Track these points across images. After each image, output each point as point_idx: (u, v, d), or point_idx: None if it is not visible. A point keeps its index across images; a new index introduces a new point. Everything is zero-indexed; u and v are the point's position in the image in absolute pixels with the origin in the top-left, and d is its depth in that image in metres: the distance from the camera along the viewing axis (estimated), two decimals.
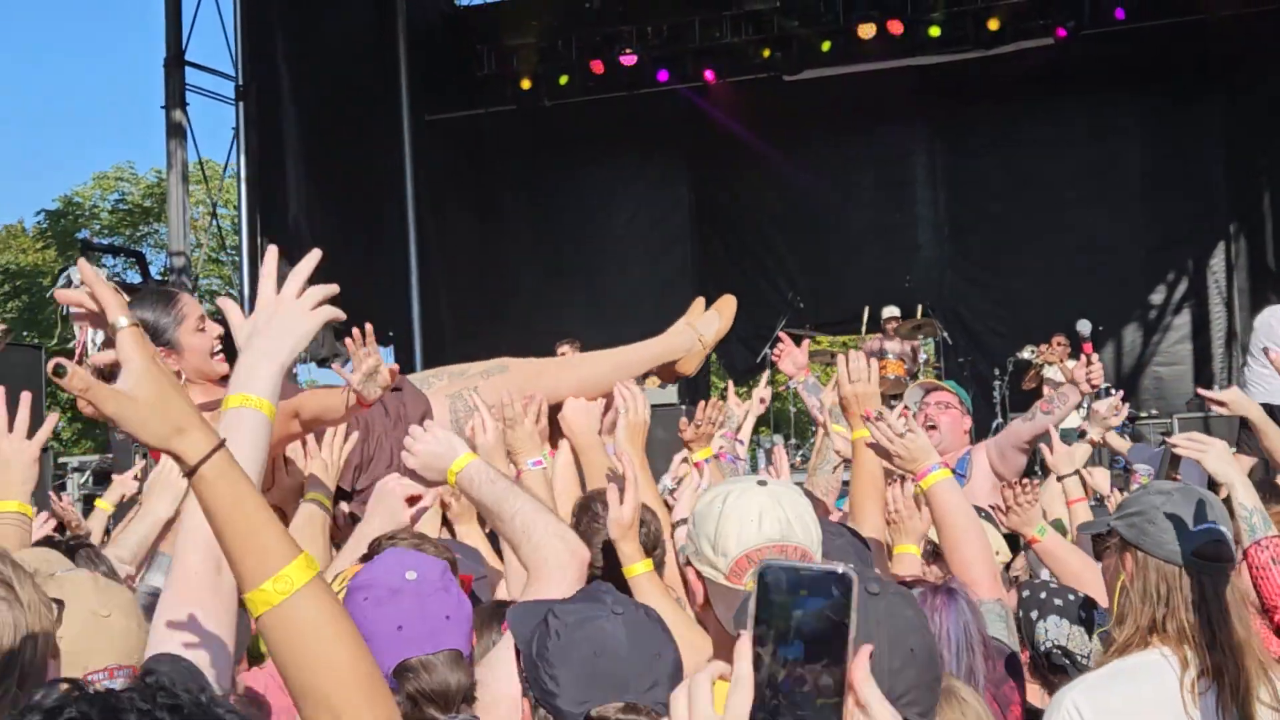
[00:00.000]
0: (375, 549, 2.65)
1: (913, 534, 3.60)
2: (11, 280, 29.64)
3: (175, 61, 12.74)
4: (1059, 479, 4.69)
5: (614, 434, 3.71)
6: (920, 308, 13.90)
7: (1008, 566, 4.18)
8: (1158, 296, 14.66)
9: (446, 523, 3.63)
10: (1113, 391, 7.39)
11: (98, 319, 3.51)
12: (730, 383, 5.73)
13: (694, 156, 15.86)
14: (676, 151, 15.85)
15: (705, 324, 4.68)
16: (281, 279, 1.99)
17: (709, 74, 14.36)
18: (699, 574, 2.32)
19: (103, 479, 10.00)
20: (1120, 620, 2.66)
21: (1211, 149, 14.29)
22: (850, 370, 3.49)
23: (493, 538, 3.42)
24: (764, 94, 14.37)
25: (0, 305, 29.37)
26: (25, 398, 2.63)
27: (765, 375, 5.23)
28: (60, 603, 1.72)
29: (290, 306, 1.98)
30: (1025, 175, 14.59)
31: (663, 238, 15.88)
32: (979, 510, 3.77)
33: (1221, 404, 4.04)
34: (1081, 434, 5.37)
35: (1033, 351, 12.19)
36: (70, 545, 2.68)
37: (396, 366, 3.50)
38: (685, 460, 4.16)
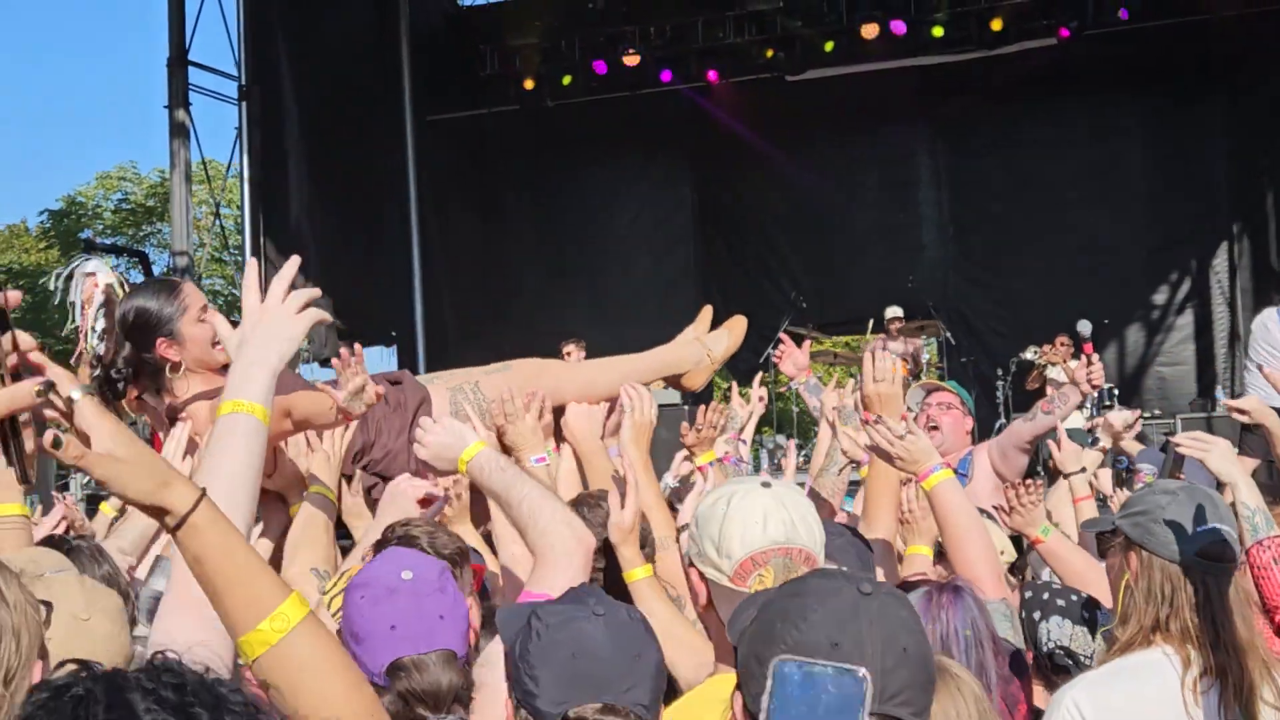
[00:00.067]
0: (389, 535, 2.69)
1: (925, 535, 3.60)
2: (15, 280, 29.66)
3: (178, 61, 12.75)
4: (1065, 476, 4.68)
5: (618, 435, 3.71)
6: (928, 306, 13.93)
7: (1013, 567, 4.18)
8: (1160, 297, 14.65)
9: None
10: (1115, 392, 7.40)
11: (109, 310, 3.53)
12: (734, 383, 5.73)
13: (697, 157, 15.85)
14: (679, 152, 15.84)
15: (714, 340, 4.68)
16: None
17: (712, 74, 14.35)
18: (702, 575, 2.32)
19: None
20: (1124, 619, 2.66)
21: (1214, 149, 14.28)
22: (875, 370, 3.49)
23: (487, 538, 3.43)
24: (767, 94, 14.36)
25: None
26: None
27: (759, 376, 5.22)
28: (49, 604, 1.73)
29: (276, 312, 2.02)
30: (1028, 175, 14.58)
31: (666, 238, 15.88)
32: (980, 511, 3.76)
33: (1243, 411, 4.04)
34: (1094, 440, 5.39)
35: (1035, 352, 12.20)
36: (72, 544, 2.69)
37: (382, 390, 3.51)
38: (687, 459, 4.16)
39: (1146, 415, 12.19)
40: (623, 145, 15.49)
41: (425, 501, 3.19)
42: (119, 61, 71.37)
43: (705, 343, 4.63)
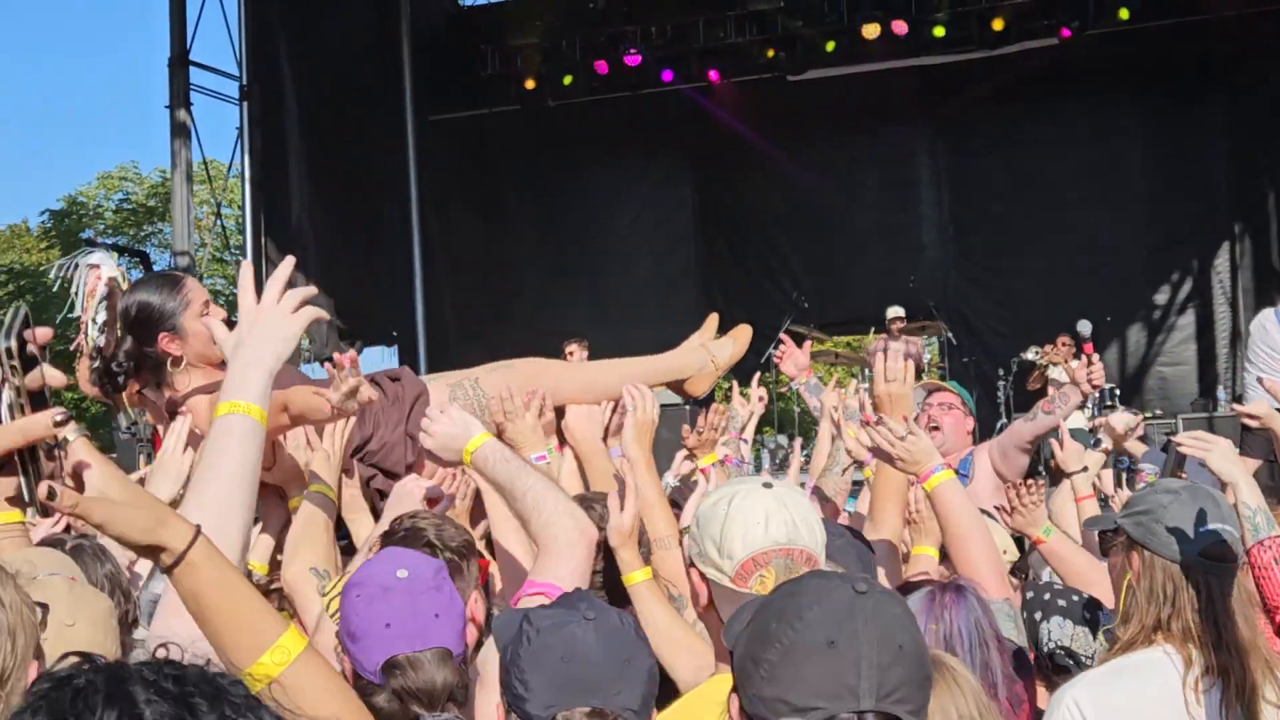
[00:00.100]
0: (397, 526, 2.72)
1: (931, 535, 3.59)
2: (16, 280, 29.67)
3: (180, 61, 12.75)
4: (1067, 475, 4.67)
5: (621, 435, 3.71)
6: (929, 306, 13.93)
7: (1014, 568, 4.17)
8: (1161, 297, 14.65)
9: None
10: (1116, 392, 7.39)
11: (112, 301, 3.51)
12: (735, 383, 5.73)
13: (698, 157, 15.85)
14: (680, 152, 15.84)
15: (719, 347, 4.69)
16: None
17: (713, 74, 14.35)
18: (703, 576, 2.32)
19: None
20: (1125, 619, 2.66)
21: (1214, 149, 14.28)
22: (886, 370, 3.49)
23: (485, 539, 3.44)
24: (768, 94, 14.36)
25: (6, 305, 29.42)
26: None
27: (756, 376, 5.23)
28: (45, 606, 1.73)
29: (271, 313, 2.03)
30: (1029, 175, 14.59)
31: (667, 238, 15.88)
32: (981, 511, 3.76)
33: (1255, 418, 4.04)
34: (1096, 442, 5.37)
35: (1037, 352, 12.19)
36: (73, 543, 2.68)
37: (376, 396, 3.51)
38: (687, 458, 4.16)
39: (1148, 415, 12.19)
40: (624, 145, 15.49)
41: (431, 502, 3.21)
42: (120, 61, 71.39)
43: (710, 349, 4.64)
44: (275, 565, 3.47)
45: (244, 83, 13.12)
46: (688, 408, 8.66)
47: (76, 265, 3.66)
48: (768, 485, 2.33)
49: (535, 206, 16.04)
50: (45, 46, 74.24)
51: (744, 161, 15.33)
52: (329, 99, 13.40)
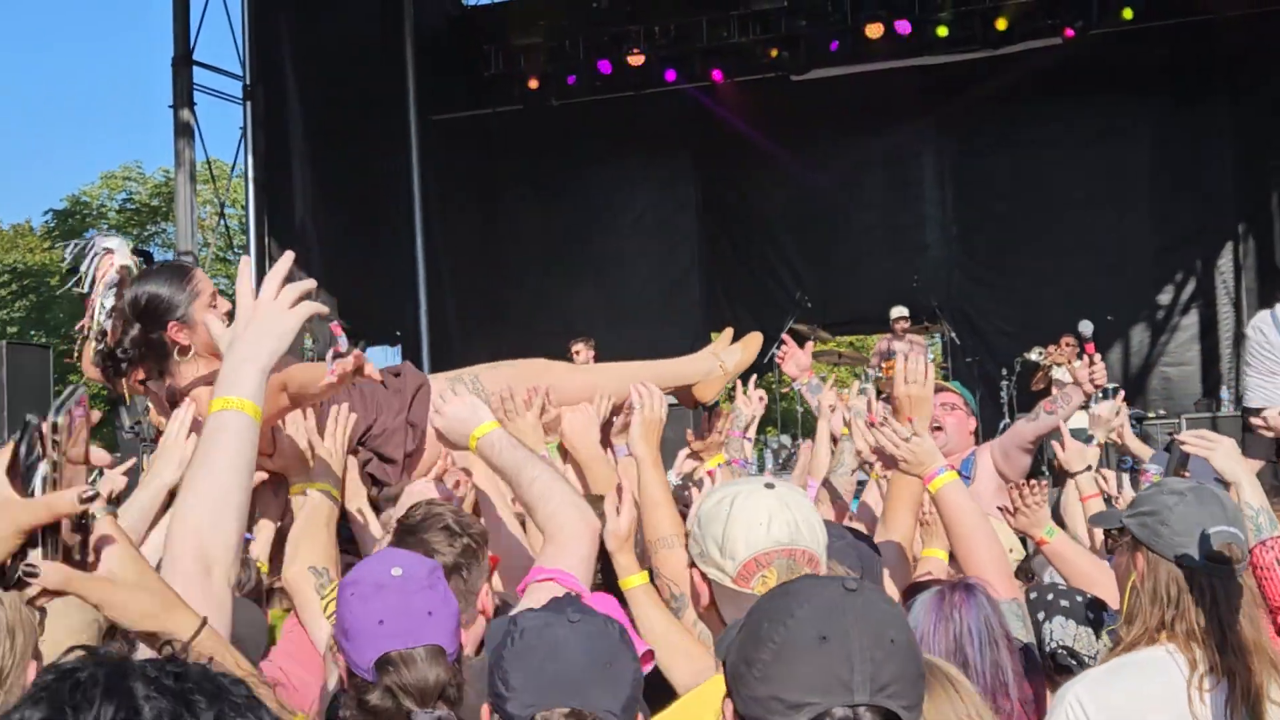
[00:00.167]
0: (414, 513, 2.75)
1: (942, 538, 3.58)
2: (19, 279, 29.72)
3: (183, 61, 12.75)
4: (1070, 475, 4.66)
5: (628, 433, 3.71)
6: (933, 306, 13.92)
7: (1017, 570, 4.16)
8: (1165, 297, 14.63)
9: None
10: (1119, 391, 7.36)
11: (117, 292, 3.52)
12: (738, 381, 5.73)
13: (701, 156, 15.84)
14: (684, 151, 15.83)
15: (728, 353, 4.70)
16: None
17: (716, 74, 14.36)
18: (705, 576, 2.32)
19: None
20: (1130, 620, 2.66)
21: (1218, 149, 14.26)
22: (908, 371, 3.48)
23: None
24: (771, 94, 14.36)
25: (9, 305, 29.46)
26: None
27: (753, 377, 5.22)
28: (43, 609, 1.74)
29: (268, 308, 2.02)
30: (1031, 175, 14.58)
31: (670, 237, 15.87)
32: None
33: (1273, 429, 4.04)
34: (1089, 438, 5.34)
35: (1040, 353, 12.17)
36: None
37: (378, 375, 3.51)
38: (690, 456, 4.16)
39: (1151, 416, 12.20)
40: (627, 145, 15.48)
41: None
42: (123, 61, 71.48)
43: (719, 355, 4.65)
44: (278, 554, 3.47)
45: (247, 82, 13.13)
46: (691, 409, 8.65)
47: (92, 245, 3.69)
48: (770, 486, 2.33)
49: (538, 206, 16.04)
50: (48, 46, 74.36)
51: (747, 161, 15.32)
52: (332, 99, 13.42)
